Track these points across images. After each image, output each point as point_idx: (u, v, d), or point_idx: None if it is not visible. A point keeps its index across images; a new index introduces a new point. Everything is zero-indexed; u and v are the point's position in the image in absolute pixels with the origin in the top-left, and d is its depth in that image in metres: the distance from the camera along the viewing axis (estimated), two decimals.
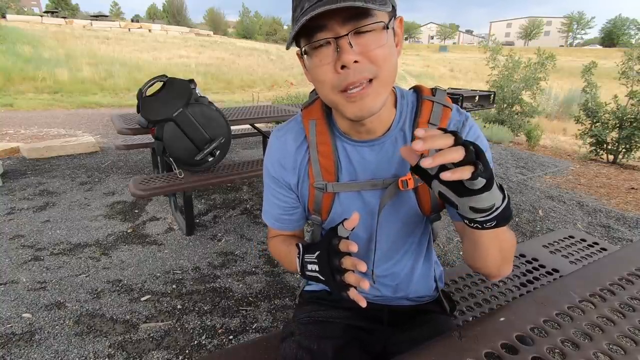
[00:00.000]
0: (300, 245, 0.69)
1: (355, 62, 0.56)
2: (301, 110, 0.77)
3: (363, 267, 0.57)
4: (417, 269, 0.83)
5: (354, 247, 0.58)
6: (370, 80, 0.58)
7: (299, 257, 0.68)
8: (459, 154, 0.45)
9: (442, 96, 0.72)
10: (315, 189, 0.74)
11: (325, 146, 0.73)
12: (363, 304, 0.58)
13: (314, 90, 0.79)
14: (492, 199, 0.49)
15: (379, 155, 0.72)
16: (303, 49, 0.60)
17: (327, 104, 0.66)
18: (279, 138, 0.77)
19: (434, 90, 0.74)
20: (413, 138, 0.69)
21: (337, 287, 0.60)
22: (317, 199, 0.75)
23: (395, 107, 0.71)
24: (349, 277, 0.59)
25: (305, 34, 0.58)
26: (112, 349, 1.52)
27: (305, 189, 0.76)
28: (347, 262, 0.59)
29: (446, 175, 0.45)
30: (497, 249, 0.63)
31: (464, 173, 0.45)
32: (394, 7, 0.60)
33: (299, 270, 0.68)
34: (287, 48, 0.61)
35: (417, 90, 0.75)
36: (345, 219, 0.62)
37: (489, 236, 0.60)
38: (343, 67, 0.56)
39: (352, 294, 0.59)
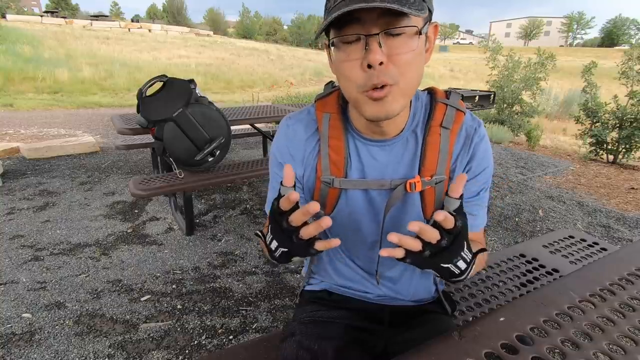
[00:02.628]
0: (261, 233, 0.66)
1: (381, 63, 0.55)
2: (315, 101, 0.76)
3: (314, 206, 0.50)
4: (417, 272, 0.83)
5: (293, 196, 0.51)
6: (391, 85, 0.57)
7: (267, 246, 0.64)
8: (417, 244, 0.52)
9: (456, 100, 0.72)
10: (322, 182, 0.74)
11: (337, 141, 0.72)
12: (336, 242, 0.53)
13: (329, 83, 0.79)
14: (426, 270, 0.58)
15: (389, 156, 0.72)
16: (331, 41, 0.59)
17: (347, 100, 0.65)
18: (290, 127, 0.76)
19: (448, 93, 0.73)
20: (425, 140, 0.69)
21: (301, 249, 0.55)
22: (323, 193, 0.75)
23: (410, 108, 0.71)
24: (305, 231, 0.52)
25: (337, 25, 0.57)
26: (112, 349, 1.52)
27: (312, 181, 0.76)
28: (295, 217, 0.52)
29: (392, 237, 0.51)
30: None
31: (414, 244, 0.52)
32: (430, 12, 0.59)
33: (269, 257, 0.64)
34: (315, 39, 0.61)
35: (431, 92, 0.74)
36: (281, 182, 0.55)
37: None
38: (369, 66, 0.55)
39: (319, 246, 0.54)
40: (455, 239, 0.53)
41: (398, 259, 0.53)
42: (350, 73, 0.58)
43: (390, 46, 0.55)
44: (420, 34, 0.56)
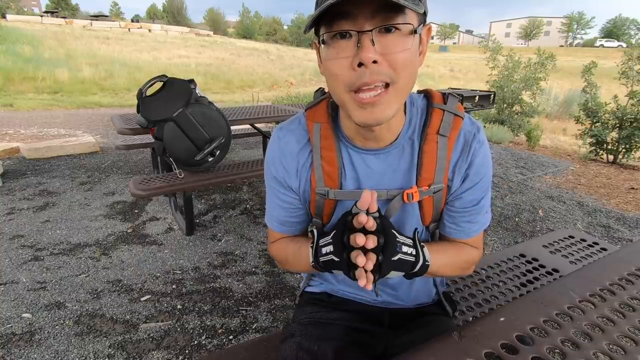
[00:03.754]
0: (316, 231, 0.67)
1: (374, 62, 0.52)
2: (305, 111, 0.74)
3: (360, 240, 0.53)
4: (417, 279, 0.82)
5: (362, 218, 0.54)
6: (387, 86, 0.55)
7: (312, 246, 0.65)
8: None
9: (454, 104, 0.69)
10: (316, 194, 0.72)
11: (330, 152, 0.70)
12: (369, 286, 0.54)
13: (318, 90, 0.77)
14: (395, 274, 0.62)
15: (384, 165, 0.70)
16: (321, 38, 0.56)
17: (335, 101, 0.62)
18: (281, 138, 0.74)
19: (445, 97, 0.70)
20: (421, 148, 0.68)
21: (346, 266, 0.58)
22: (319, 204, 0.74)
23: (405, 114, 0.68)
24: (353, 255, 0.55)
25: (327, 21, 0.54)
26: (112, 349, 1.52)
27: (308, 193, 0.74)
28: (354, 239, 0.55)
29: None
30: (448, 275, 0.75)
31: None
32: (425, 13, 0.57)
33: (312, 258, 0.64)
34: (305, 32, 0.58)
35: (427, 96, 0.72)
36: (357, 200, 0.58)
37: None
38: (360, 64, 0.53)
39: (358, 273, 0.55)
40: (385, 234, 0.57)
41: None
42: (339, 71, 0.55)
43: (384, 44, 0.53)
44: (415, 32, 0.54)
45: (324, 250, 0.62)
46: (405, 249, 0.60)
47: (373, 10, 0.51)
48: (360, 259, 0.53)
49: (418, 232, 0.67)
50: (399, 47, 0.54)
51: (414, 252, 0.61)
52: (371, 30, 0.52)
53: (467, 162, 0.69)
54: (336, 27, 0.54)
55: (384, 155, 0.69)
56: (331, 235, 0.62)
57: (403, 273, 0.62)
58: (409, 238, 0.63)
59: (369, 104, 0.55)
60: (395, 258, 0.58)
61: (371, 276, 0.55)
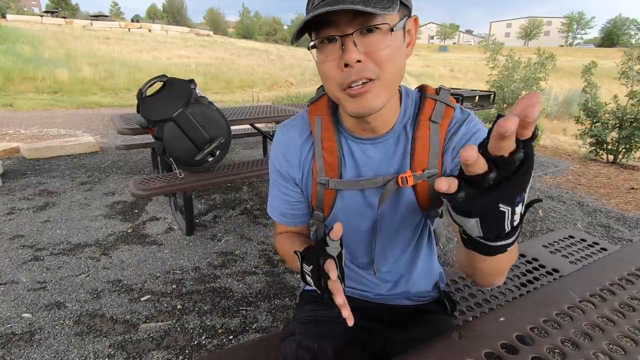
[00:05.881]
0: (299, 254, 0.67)
1: (359, 61, 0.57)
2: (308, 105, 0.79)
3: (339, 296, 0.55)
4: (417, 265, 0.83)
5: (332, 274, 0.55)
6: (372, 80, 0.59)
7: (299, 266, 0.67)
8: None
9: (446, 95, 0.73)
10: (317, 184, 0.75)
11: (330, 142, 0.74)
12: (349, 322, 0.55)
13: (321, 86, 0.81)
14: (471, 230, 0.43)
15: (381, 153, 0.73)
16: (312, 43, 0.61)
17: (332, 99, 0.68)
18: (285, 133, 0.79)
19: (438, 90, 0.74)
20: (414, 135, 0.70)
21: (325, 295, 0.59)
22: (320, 195, 0.76)
23: (400, 105, 0.72)
24: (334, 298, 0.56)
25: (315, 28, 0.59)
26: (112, 349, 1.52)
27: (309, 184, 0.78)
28: (330, 285, 0.57)
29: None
30: (495, 268, 0.56)
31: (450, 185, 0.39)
32: (407, 7, 0.61)
33: (300, 275, 0.68)
34: (292, 43, 0.62)
35: (421, 89, 0.76)
36: (330, 229, 0.57)
37: (486, 259, 0.51)
38: (346, 65, 0.57)
39: (342, 308, 0.56)
40: (525, 158, 0.37)
41: (449, 194, 0.40)
42: (330, 72, 0.60)
43: (366, 44, 0.57)
44: (392, 30, 0.58)
45: (307, 278, 0.64)
46: (518, 209, 0.43)
47: (351, 16, 0.56)
48: (333, 297, 0.56)
49: (419, 219, 0.66)
50: (380, 45, 0.57)
51: (517, 223, 0.44)
52: (352, 34, 0.56)
53: (456, 140, 0.70)
54: (323, 34, 0.59)
55: (381, 144, 0.72)
56: (310, 269, 0.62)
57: (480, 230, 0.43)
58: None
59: (357, 95, 0.60)
60: (504, 208, 0.41)
61: (339, 286, 0.56)
